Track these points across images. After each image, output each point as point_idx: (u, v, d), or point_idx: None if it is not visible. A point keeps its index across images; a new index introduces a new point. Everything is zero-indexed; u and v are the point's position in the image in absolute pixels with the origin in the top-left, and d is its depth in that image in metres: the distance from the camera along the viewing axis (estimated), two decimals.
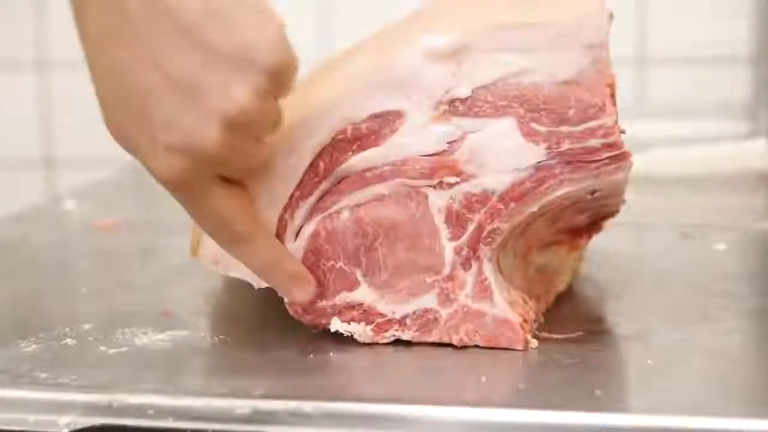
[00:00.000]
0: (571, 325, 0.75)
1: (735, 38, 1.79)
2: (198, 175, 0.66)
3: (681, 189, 1.31)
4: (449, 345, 0.71)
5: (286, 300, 0.73)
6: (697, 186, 1.32)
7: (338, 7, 1.93)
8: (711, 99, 1.78)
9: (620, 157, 0.69)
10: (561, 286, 0.82)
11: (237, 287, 0.83)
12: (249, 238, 0.70)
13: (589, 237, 0.85)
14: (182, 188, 0.67)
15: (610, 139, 0.68)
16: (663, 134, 1.55)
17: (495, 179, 0.70)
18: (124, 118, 0.66)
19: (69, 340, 0.74)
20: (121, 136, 0.67)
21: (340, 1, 1.93)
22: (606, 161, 0.69)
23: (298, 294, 0.72)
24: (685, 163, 1.36)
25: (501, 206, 0.70)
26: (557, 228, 0.80)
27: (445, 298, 0.71)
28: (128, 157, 0.68)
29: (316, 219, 0.72)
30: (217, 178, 0.68)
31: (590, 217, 0.82)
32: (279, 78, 0.64)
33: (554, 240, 0.82)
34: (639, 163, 1.28)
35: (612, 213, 0.83)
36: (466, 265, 0.71)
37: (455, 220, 0.71)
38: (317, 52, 1.79)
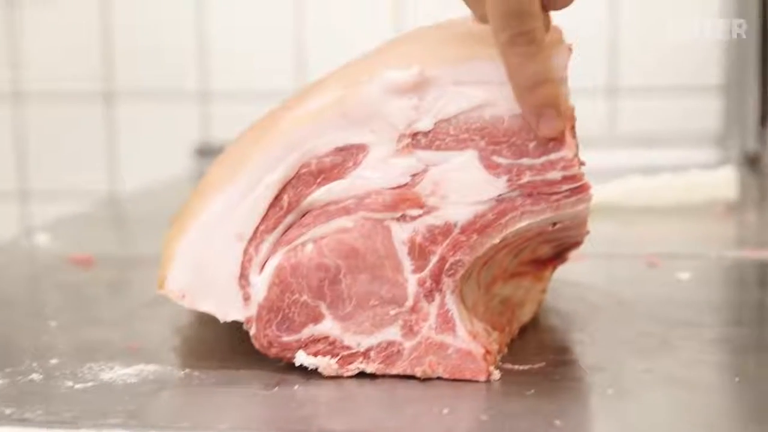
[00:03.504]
0: (535, 356, 0.76)
1: (705, 68, 1.81)
2: None
3: (648, 218, 1.32)
4: (413, 377, 0.72)
5: (251, 333, 0.74)
6: (664, 215, 1.33)
7: (314, 41, 1.95)
8: (681, 128, 1.79)
9: (580, 189, 0.70)
10: (526, 317, 0.83)
11: (205, 320, 0.83)
12: (538, 43, 0.68)
13: (554, 268, 0.86)
14: None
15: (570, 172, 0.69)
16: (633, 163, 1.57)
17: (457, 211, 0.71)
18: None
19: (35, 375, 0.74)
20: None
21: (315, 35, 1.95)
22: (566, 193, 0.70)
23: (545, 125, 0.69)
24: (653, 192, 1.37)
25: (463, 238, 0.71)
26: (521, 259, 0.81)
27: (409, 331, 0.72)
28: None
29: (281, 252, 0.73)
30: None
31: (554, 248, 0.83)
32: None
33: (519, 271, 0.82)
34: (608, 192, 1.31)
35: (576, 244, 0.84)
36: (429, 297, 0.72)
37: (418, 253, 0.71)
38: (293, 84, 1.81)
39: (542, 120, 0.69)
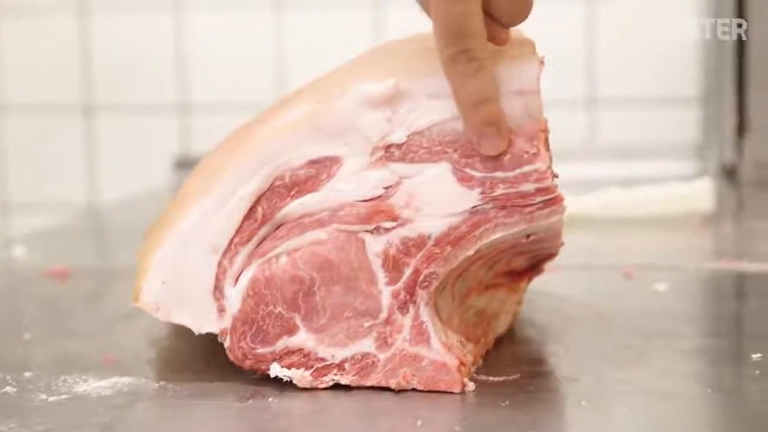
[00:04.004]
0: (510, 368, 0.76)
1: (683, 80, 1.82)
2: None
3: (625, 230, 1.32)
4: (388, 389, 0.72)
5: (226, 345, 0.74)
6: (641, 227, 1.34)
7: (293, 53, 1.95)
8: (660, 140, 1.80)
9: (554, 201, 0.70)
10: (501, 328, 0.83)
11: (181, 333, 0.83)
12: (479, 61, 0.69)
13: (530, 279, 0.86)
14: None
15: (544, 184, 0.70)
16: (612, 175, 1.57)
17: (431, 223, 0.71)
18: None
19: (9, 388, 0.74)
20: None
21: (294, 47, 1.95)
22: (540, 205, 0.70)
23: (486, 144, 0.70)
24: (631, 204, 1.37)
25: (437, 250, 0.71)
26: (496, 271, 0.81)
27: (383, 343, 0.72)
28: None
29: (255, 264, 0.73)
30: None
31: (529, 259, 0.83)
32: None
33: (494, 283, 0.83)
34: (586, 204, 1.32)
35: (551, 255, 0.84)
36: (403, 309, 0.72)
37: (392, 265, 0.71)
38: (273, 96, 1.81)
39: (483, 138, 0.70)
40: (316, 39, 1.91)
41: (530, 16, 0.71)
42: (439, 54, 0.69)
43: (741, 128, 1.70)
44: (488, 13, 0.70)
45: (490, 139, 0.69)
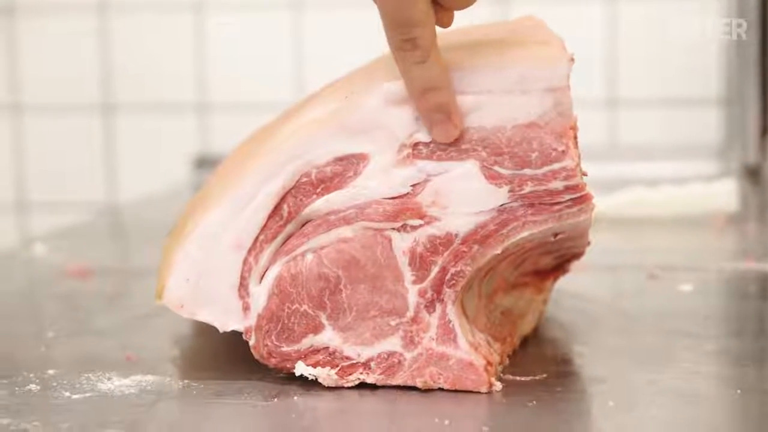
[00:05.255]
0: (537, 367, 0.75)
1: (706, 80, 1.81)
2: None
3: (650, 230, 1.32)
4: (414, 388, 0.71)
5: (251, 343, 0.73)
6: (665, 227, 1.33)
7: (312, 52, 1.94)
8: (682, 140, 1.79)
9: (582, 199, 0.70)
10: (527, 328, 0.82)
11: (204, 331, 0.83)
12: (424, 49, 0.69)
13: (555, 279, 0.85)
14: None
15: (572, 182, 0.69)
16: (634, 175, 1.56)
17: (458, 222, 0.70)
18: None
19: (33, 386, 0.74)
20: None
21: (313, 46, 1.94)
22: (568, 203, 0.70)
23: (437, 131, 0.70)
24: (654, 204, 1.37)
25: (464, 249, 0.70)
26: (523, 270, 0.81)
27: (410, 341, 0.71)
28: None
29: (281, 262, 0.72)
30: None
31: (556, 258, 0.83)
32: None
33: (520, 282, 0.82)
34: (609, 204, 1.31)
35: (577, 255, 0.83)
36: (430, 307, 0.71)
37: (419, 263, 0.71)
38: (291, 95, 1.81)
39: (434, 125, 0.70)
40: (335, 39, 1.91)
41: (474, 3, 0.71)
42: (387, 42, 0.70)
43: (764, 129, 1.69)
44: (434, 0, 0.70)
45: (441, 126, 0.70)
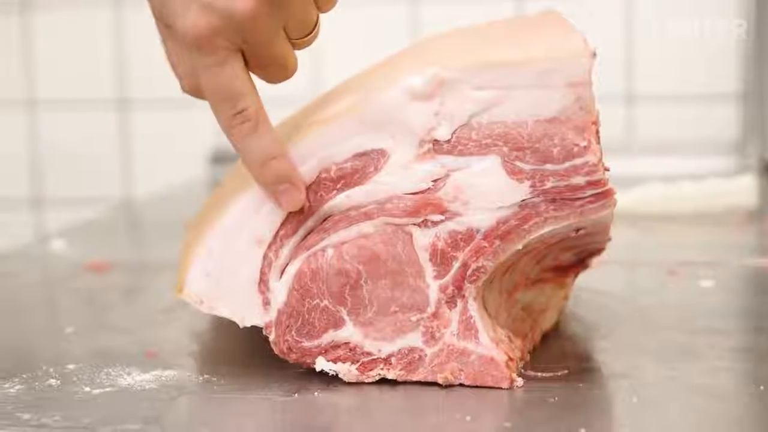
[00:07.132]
0: (558, 363, 0.75)
1: (723, 75, 1.80)
2: (223, 37, 0.67)
3: (669, 226, 1.31)
4: (435, 384, 0.71)
5: (271, 339, 0.73)
6: (684, 223, 1.32)
7: (329, 47, 1.94)
8: (699, 136, 1.78)
9: (604, 195, 0.69)
10: (547, 323, 0.82)
11: (223, 326, 0.83)
12: (254, 119, 0.70)
13: (576, 274, 0.85)
14: (205, 47, 0.68)
15: (594, 177, 0.69)
16: (652, 171, 1.55)
17: (479, 217, 0.70)
18: None
19: (53, 381, 0.74)
20: None
21: (331, 42, 1.94)
22: (590, 199, 0.69)
23: (285, 201, 0.71)
24: (672, 200, 1.36)
25: (486, 244, 0.70)
26: (543, 266, 0.80)
27: (430, 337, 0.71)
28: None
29: (301, 257, 0.72)
30: (239, 52, 0.69)
31: (576, 254, 0.82)
32: None
33: (541, 278, 0.82)
34: (627, 200, 1.30)
35: (598, 250, 0.83)
36: (451, 303, 0.71)
37: (440, 258, 0.71)
38: (308, 90, 1.81)
39: (280, 196, 0.71)
40: (352, 35, 1.90)
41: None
42: (218, 124, 0.71)
43: None
44: (253, 72, 0.71)
45: (286, 195, 0.71)
